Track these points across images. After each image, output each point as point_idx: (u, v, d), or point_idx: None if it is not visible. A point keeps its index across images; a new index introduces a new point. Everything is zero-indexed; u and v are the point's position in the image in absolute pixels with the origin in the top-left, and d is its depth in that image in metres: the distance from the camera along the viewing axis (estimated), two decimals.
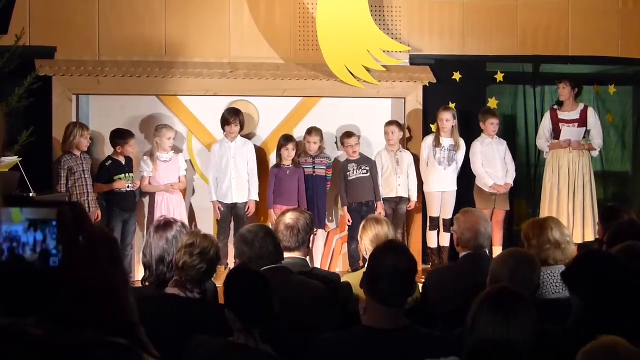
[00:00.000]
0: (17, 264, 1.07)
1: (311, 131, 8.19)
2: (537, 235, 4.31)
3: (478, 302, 2.82)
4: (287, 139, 8.08)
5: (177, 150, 8.10)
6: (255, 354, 3.03)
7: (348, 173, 8.16)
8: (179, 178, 7.98)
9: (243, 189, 7.99)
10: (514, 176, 8.55)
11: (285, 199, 7.99)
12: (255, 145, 8.23)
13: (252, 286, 3.16)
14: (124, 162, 7.72)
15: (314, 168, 8.19)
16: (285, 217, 4.39)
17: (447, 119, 8.32)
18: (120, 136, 7.70)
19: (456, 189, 8.42)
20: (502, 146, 8.56)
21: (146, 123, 8.18)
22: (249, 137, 8.33)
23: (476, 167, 8.45)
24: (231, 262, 7.70)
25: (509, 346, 2.69)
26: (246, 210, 8.01)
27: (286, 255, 4.26)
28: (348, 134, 8.25)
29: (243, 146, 8.04)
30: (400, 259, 3.20)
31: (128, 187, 7.68)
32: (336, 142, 8.55)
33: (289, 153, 8.01)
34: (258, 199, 8.07)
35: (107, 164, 7.70)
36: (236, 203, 7.97)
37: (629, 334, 2.26)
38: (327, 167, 8.31)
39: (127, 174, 7.69)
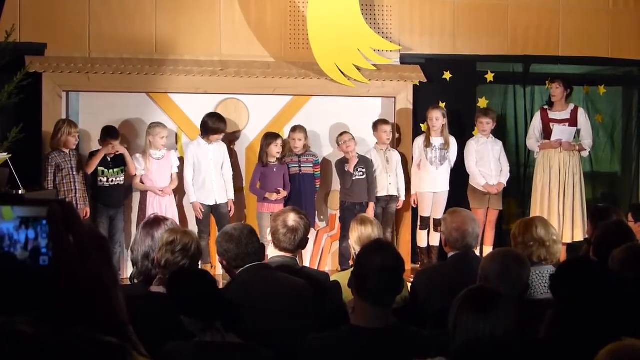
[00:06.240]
0: (8, 261, 1.07)
1: (295, 129, 8.18)
2: (522, 233, 4.33)
3: (456, 305, 2.82)
4: (274, 136, 8.08)
5: (169, 147, 8.08)
6: (225, 348, 3.03)
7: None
8: (171, 175, 7.97)
9: (223, 189, 8.01)
10: (508, 176, 8.56)
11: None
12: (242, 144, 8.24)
13: (196, 285, 3.13)
14: (109, 158, 7.67)
15: (299, 167, 8.19)
16: (288, 218, 4.27)
17: (437, 118, 8.32)
18: (107, 133, 7.66)
19: (448, 189, 8.43)
20: (497, 146, 8.55)
21: (136, 120, 8.16)
22: (236, 135, 8.39)
23: (470, 165, 8.46)
24: (215, 262, 7.71)
25: (494, 342, 2.70)
26: (229, 209, 8.02)
27: (277, 254, 4.27)
28: (343, 133, 8.24)
29: (219, 147, 8.04)
30: (387, 257, 3.20)
31: (112, 180, 7.65)
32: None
33: (278, 149, 8.01)
34: (234, 198, 8.12)
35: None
36: (219, 203, 7.99)
37: (604, 340, 2.24)
38: (315, 164, 8.31)
39: (111, 169, 7.65)
